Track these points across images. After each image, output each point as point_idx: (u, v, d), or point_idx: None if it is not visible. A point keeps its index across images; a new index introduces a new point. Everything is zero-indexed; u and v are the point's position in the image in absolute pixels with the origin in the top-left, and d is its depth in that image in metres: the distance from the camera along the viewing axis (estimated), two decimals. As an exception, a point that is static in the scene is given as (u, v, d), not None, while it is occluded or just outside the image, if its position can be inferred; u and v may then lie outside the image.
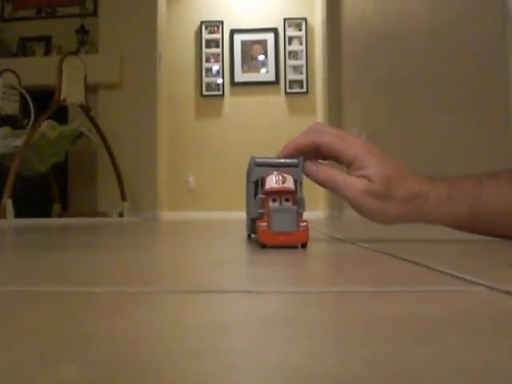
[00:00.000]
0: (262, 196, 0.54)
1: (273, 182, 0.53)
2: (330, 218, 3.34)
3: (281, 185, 0.52)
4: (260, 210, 0.54)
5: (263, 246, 0.52)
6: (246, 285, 0.30)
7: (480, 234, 0.60)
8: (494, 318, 0.21)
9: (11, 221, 2.47)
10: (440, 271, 0.34)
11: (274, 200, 0.53)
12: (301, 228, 0.52)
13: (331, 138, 0.57)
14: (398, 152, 2.08)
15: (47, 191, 3.44)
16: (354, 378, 0.13)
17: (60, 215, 3.38)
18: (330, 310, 0.23)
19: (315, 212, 3.63)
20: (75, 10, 4.05)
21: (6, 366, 0.14)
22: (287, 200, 0.53)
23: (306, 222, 0.52)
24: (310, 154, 0.58)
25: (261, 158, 0.57)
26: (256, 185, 0.57)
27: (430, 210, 0.57)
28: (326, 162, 0.59)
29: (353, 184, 0.56)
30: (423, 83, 1.97)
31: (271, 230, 0.51)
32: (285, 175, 0.53)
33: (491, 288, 0.26)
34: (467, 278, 0.30)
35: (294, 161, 0.56)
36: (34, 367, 0.14)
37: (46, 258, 0.51)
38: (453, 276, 0.31)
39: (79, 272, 0.38)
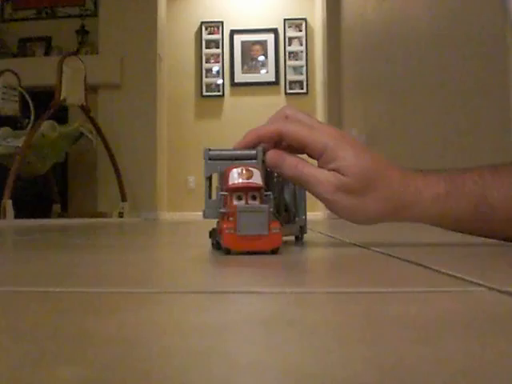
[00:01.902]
0: (223, 193, 0.47)
1: (237, 176, 0.46)
2: (329, 218, 3.34)
3: (247, 180, 0.46)
4: (222, 210, 0.47)
5: (228, 252, 0.45)
6: (246, 285, 0.30)
7: (484, 236, 0.54)
8: (494, 318, 0.21)
9: (11, 221, 2.47)
10: (440, 272, 0.33)
11: (239, 198, 0.46)
12: (272, 231, 0.45)
13: (297, 126, 0.50)
14: (399, 152, 2.08)
15: (47, 191, 3.44)
16: (354, 378, 0.13)
17: (60, 216, 3.38)
18: (329, 310, 0.23)
19: (315, 213, 3.62)
20: (75, 10, 4.05)
21: (5, 366, 0.14)
22: (254, 198, 0.46)
23: (278, 223, 0.46)
24: (274, 144, 0.50)
25: (217, 150, 0.51)
26: (210, 181, 0.51)
27: (424, 208, 0.50)
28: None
29: (323, 179, 0.49)
30: (423, 83, 1.97)
31: (238, 233, 0.44)
32: (251, 169, 0.46)
33: (491, 288, 0.26)
34: (467, 278, 0.30)
35: (252, 152, 0.49)
36: (34, 367, 0.14)
37: (45, 259, 0.51)
38: (453, 276, 0.31)
39: (79, 272, 0.38)
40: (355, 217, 0.51)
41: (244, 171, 0.46)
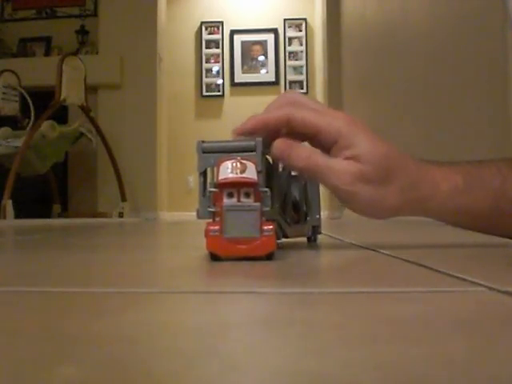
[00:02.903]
0: (213, 190, 0.41)
1: (228, 170, 0.40)
2: (330, 218, 3.34)
3: (239, 174, 0.40)
4: (211, 209, 0.41)
5: (214, 258, 0.40)
6: (246, 285, 0.30)
7: (499, 234, 0.51)
8: (494, 318, 0.21)
9: (11, 221, 2.47)
10: (440, 272, 0.33)
11: (230, 195, 0.40)
12: (265, 233, 0.39)
13: (307, 112, 0.45)
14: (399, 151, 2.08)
15: (47, 191, 3.44)
16: (354, 378, 0.13)
17: (60, 215, 3.38)
18: (330, 310, 0.23)
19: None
20: (75, 10, 4.05)
21: (5, 366, 0.14)
22: (247, 195, 0.40)
23: (272, 224, 0.40)
24: (280, 133, 0.45)
25: (211, 142, 0.45)
26: (205, 177, 0.45)
27: (441, 202, 0.47)
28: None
29: (340, 168, 0.43)
30: (423, 83, 1.97)
31: (224, 235, 0.39)
32: (244, 162, 0.41)
33: (491, 288, 0.26)
34: (467, 278, 0.30)
35: (250, 143, 0.43)
36: (34, 367, 0.14)
37: (46, 258, 0.51)
38: (453, 276, 0.31)
39: (79, 272, 0.38)
40: (373, 210, 0.46)
41: (237, 164, 0.40)
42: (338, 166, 0.44)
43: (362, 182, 0.44)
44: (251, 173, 0.40)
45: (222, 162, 0.41)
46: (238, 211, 0.40)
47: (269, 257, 0.40)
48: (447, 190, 0.46)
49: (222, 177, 0.40)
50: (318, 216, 0.58)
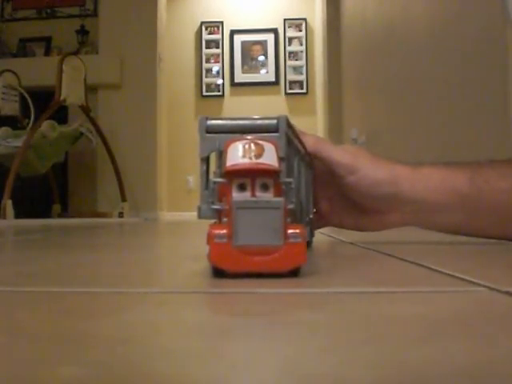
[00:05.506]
0: (218, 180, 0.31)
1: (239, 154, 0.30)
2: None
3: (253, 160, 0.30)
4: (216, 206, 0.32)
5: (218, 273, 0.31)
6: (246, 285, 0.30)
7: (473, 231, 0.56)
8: (494, 318, 0.21)
9: (11, 221, 2.47)
10: (440, 272, 0.33)
11: (242, 187, 0.30)
12: (291, 240, 0.30)
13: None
14: (398, 152, 2.08)
15: (47, 191, 3.44)
16: (354, 378, 0.13)
17: (60, 216, 3.38)
18: (330, 310, 0.23)
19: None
20: (75, 10, 4.04)
21: (6, 366, 0.14)
22: (265, 188, 0.31)
23: (300, 227, 0.30)
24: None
25: (220, 119, 0.35)
26: (208, 164, 0.36)
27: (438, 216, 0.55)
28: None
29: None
30: (423, 83, 1.97)
31: (234, 243, 0.29)
32: (261, 142, 0.31)
33: (491, 288, 0.26)
34: (467, 278, 0.30)
35: (270, 122, 0.34)
36: (34, 367, 0.14)
37: (46, 258, 0.51)
38: (453, 276, 0.31)
39: (79, 272, 0.38)
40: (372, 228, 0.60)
41: (251, 146, 0.30)
42: None
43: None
44: (270, 157, 0.30)
45: (231, 143, 0.31)
46: (254, 209, 0.30)
47: (294, 273, 0.30)
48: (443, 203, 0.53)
49: (230, 163, 0.30)
50: (311, 216, 0.54)
